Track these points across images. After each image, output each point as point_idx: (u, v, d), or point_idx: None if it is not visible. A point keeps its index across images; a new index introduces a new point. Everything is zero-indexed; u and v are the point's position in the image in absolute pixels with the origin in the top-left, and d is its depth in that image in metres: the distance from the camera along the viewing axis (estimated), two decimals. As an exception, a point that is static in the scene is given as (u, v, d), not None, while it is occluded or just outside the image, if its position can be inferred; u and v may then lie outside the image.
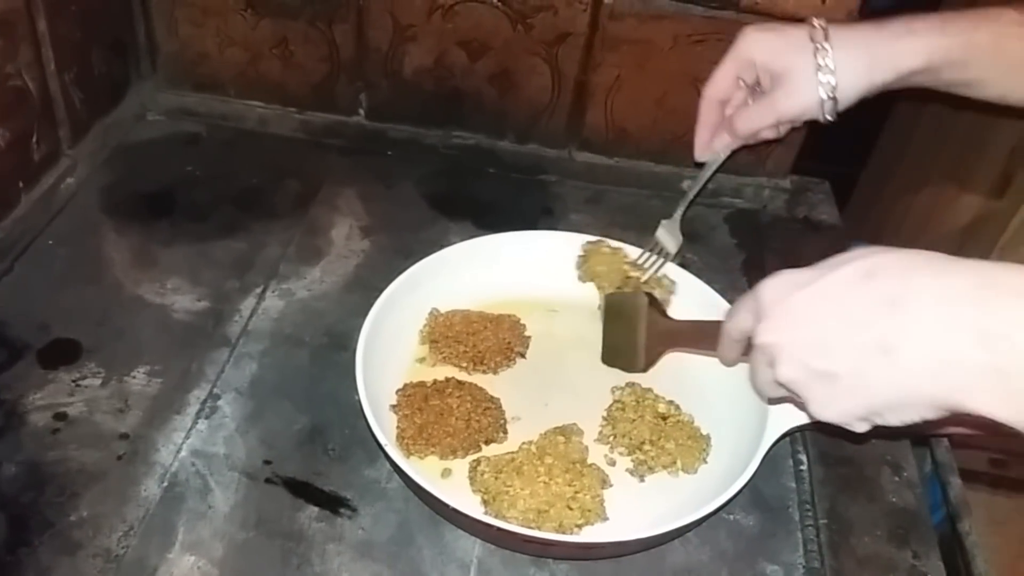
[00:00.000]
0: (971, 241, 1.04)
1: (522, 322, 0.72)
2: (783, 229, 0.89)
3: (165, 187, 0.85)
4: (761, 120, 0.67)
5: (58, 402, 0.63)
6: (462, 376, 0.67)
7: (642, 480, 0.62)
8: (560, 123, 0.91)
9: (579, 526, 0.57)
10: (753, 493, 0.63)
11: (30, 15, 0.73)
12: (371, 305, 0.65)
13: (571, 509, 0.57)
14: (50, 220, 0.79)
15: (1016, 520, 1.16)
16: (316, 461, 0.61)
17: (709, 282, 0.73)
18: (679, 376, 0.69)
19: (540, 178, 0.92)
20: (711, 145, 0.70)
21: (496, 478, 0.58)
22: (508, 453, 0.60)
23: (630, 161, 0.92)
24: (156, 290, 0.73)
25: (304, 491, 0.59)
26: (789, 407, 0.61)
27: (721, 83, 0.68)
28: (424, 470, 0.60)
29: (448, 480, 0.60)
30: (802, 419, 0.61)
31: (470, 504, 0.55)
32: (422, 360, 0.69)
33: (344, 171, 0.89)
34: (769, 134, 0.70)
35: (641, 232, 0.81)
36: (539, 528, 0.56)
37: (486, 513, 0.57)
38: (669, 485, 0.61)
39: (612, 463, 0.63)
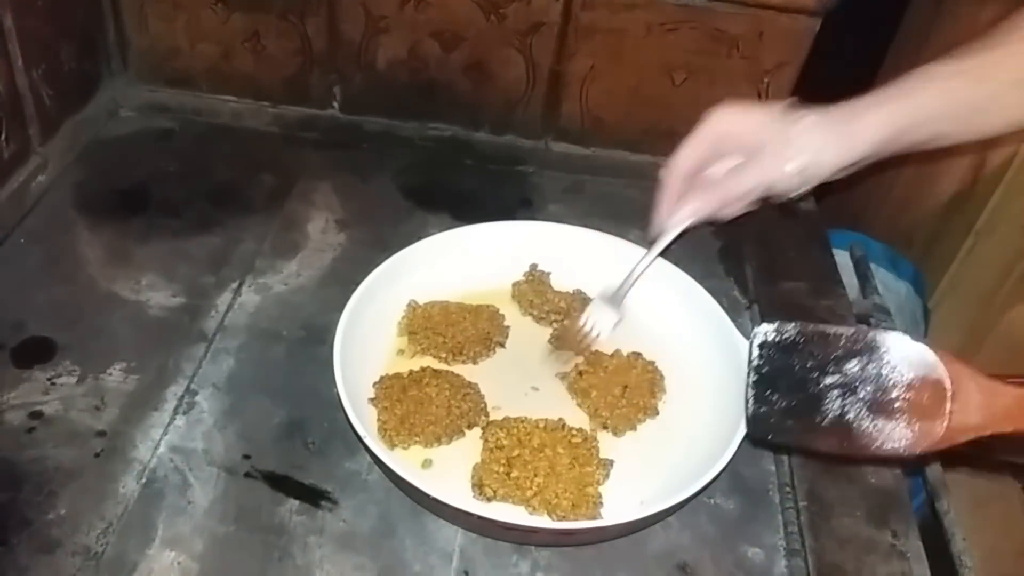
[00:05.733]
0: (948, 225, 1.05)
1: (501, 312, 0.72)
2: (759, 216, 0.89)
3: (138, 183, 0.84)
4: (745, 182, 0.64)
5: (33, 400, 0.62)
6: (440, 366, 0.67)
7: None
8: (536, 113, 0.91)
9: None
10: (733, 477, 0.63)
11: (-5, 10, 0.73)
12: (348, 298, 0.65)
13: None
14: (22, 218, 0.78)
15: (999, 502, 1.17)
16: (295, 455, 0.61)
17: (687, 270, 0.73)
18: (658, 364, 0.69)
19: (517, 169, 0.92)
20: (671, 218, 0.67)
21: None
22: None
23: (606, 151, 0.93)
24: (131, 287, 0.73)
25: (284, 485, 0.59)
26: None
27: (692, 155, 0.66)
28: (404, 461, 0.60)
29: (429, 470, 0.60)
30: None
31: (451, 494, 0.55)
32: (401, 352, 0.69)
33: (319, 165, 0.89)
34: (736, 208, 0.68)
35: (619, 222, 0.81)
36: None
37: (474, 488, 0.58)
38: (650, 468, 0.62)
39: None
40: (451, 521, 0.58)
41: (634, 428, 0.64)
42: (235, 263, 0.76)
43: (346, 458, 0.61)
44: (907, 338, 0.50)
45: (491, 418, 0.63)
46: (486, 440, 0.61)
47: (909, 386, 0.50)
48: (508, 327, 0.71)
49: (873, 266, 0.93)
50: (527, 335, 0.71)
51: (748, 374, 0.54)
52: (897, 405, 0.50)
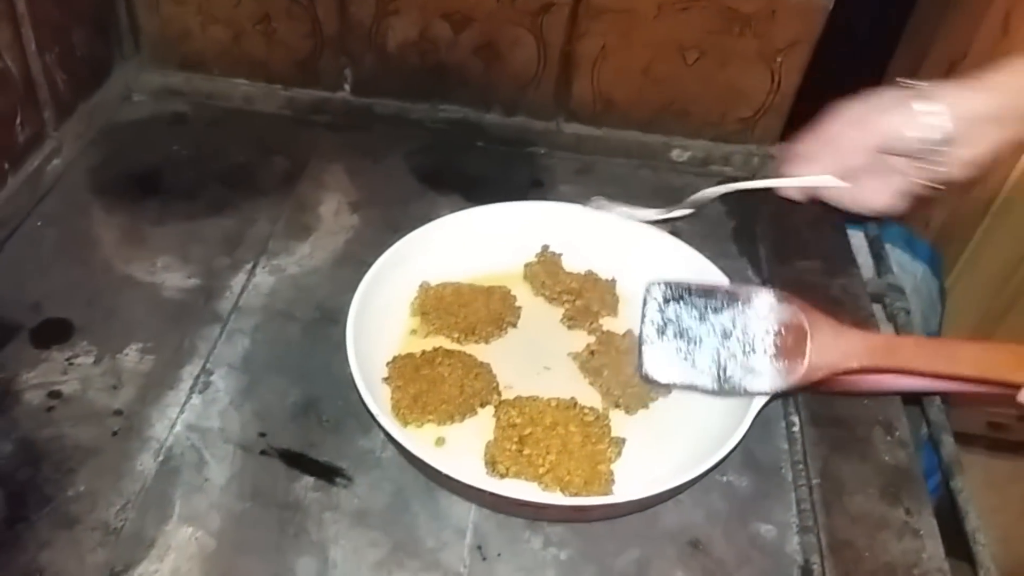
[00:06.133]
0: (965, 205, 1.05)
1: (512, 293, 0.72)
2: (773, 196, 0.89)
3: (152, 167, 0.84)
4: (865, 136, 0.62)
5: (52, 380, 0.63)
6: (453, 346, 0.67)
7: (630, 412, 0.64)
8: (547, 94, 0.91)
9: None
10: (746, 455, 0.63)
11: (8, -5, 0.73)
12: (361, 279, 0.65)
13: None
14: (38, 202, 0.78)
15: (1015, 482, 1.17)
16: (310, 432, 0.62)
17: (700, 250, 0.72)
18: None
19: (528, 150, 0.92)
20: (804, 165, 0.65)
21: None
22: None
23: (618, 131, 0.92)
24: (146, 269, 0.73)
25: (299, 462, 0.60)
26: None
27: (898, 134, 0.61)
28: (417, 439, 0.60)
29: (442, 448, 0.61)
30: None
31: (464, 471, 0.55)
32: (414, 332, 0.69)
33: (331, 147, 0.89)
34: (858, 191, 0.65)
35: (631, 202, 0.80)
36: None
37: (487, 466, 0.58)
38: (662, 446, 0.62)
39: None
40: (464, 498, 0.58)
41: (646, 406, 0.65)
42: (249, 245, 0.77)
43: (360, 436, 0.62)
44: (772, 291, 0.60)
45: (503, 397, 0.64)
46: (499, 418, 0.61)
47: (774, 332, 0.58)
48: (520, 307, 0.71)
49: (889, 247, 0.93)
50: (539, 315, 0.72)
51: (642, 322, 0.61)
52: (765, 347, 0.58)
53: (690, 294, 0.61)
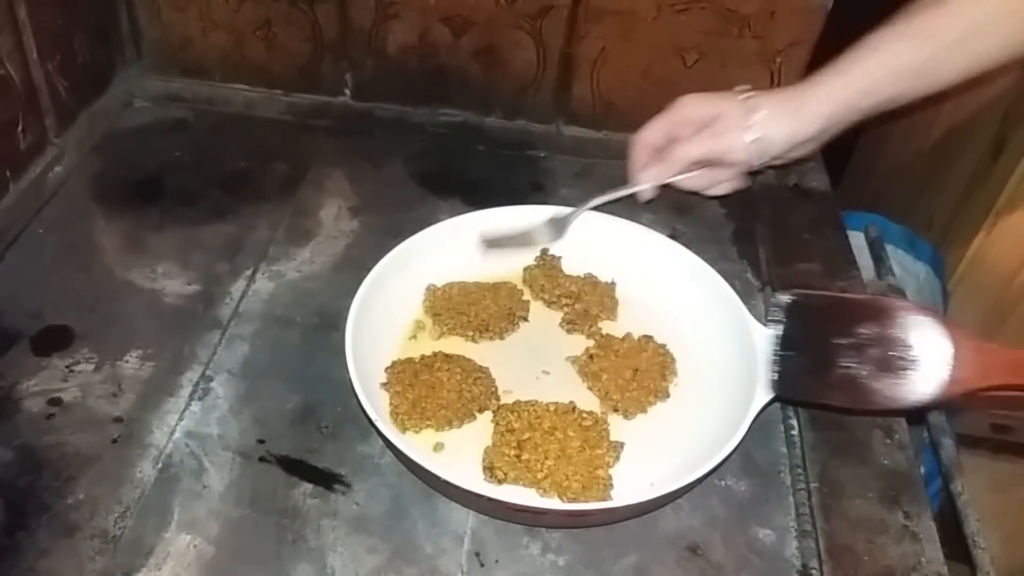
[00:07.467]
0: (968, 205, 1.04)
1: (519, 288, 0.73)
2: (773, 198, 0.89)
3: (153, 173, 0.85)
4: (694, 151, 0.73)
5: (52, 388, 0.63)
6: (456, 348, 0.67)
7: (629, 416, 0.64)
8: (547, 97, 0.91)
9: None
10: (745, 459, 0.63)
11: (9, 2, 0.73)
12: (360, 284, 0.65)
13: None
14: (39, 209, 0.79)
15: (1018, 485, 1.16)
16: (309, 439, 0.62)
17: (699, 253, 0.72)
18: (670, 347, 0.69)
19: (529, 154, 0.92)
20: (642, 175, 0.76)
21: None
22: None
23: (618, 134, 0.92)
24: (147, 275, 0.74)
25: (298, 468, 0.60)
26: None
27: (653, 132, 0.75)
28: (416, 444, 0.60)
29: (440, 454, 0.61)
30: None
31: (463, 476, 0.55)
32: (413, 338, 0.69)
33: (332, 152, 0.89)
34: (700, 182, 0.76)
35: (630, 206, 0.81)
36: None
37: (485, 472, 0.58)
38: (660, 451, 0.62)
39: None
40: (462, 503, 0.58)
41: (645, 411, 0.64)
42: (249, 251, 0.77)
43: (359, 442, 0.62)
44: (913, 305, 0.59)
45: (502, 402, 0.64)
46: (497, 423, 0.61)
47: (913, 347, 0.57)
48: (528, 301, 0.72)
49: (891, 248, 0.92)
50: (538, 319, 0.72)
51: (772, 337, 0.61)
52: (902, 363, 0.56)
53: (823, 306, 0.60)
